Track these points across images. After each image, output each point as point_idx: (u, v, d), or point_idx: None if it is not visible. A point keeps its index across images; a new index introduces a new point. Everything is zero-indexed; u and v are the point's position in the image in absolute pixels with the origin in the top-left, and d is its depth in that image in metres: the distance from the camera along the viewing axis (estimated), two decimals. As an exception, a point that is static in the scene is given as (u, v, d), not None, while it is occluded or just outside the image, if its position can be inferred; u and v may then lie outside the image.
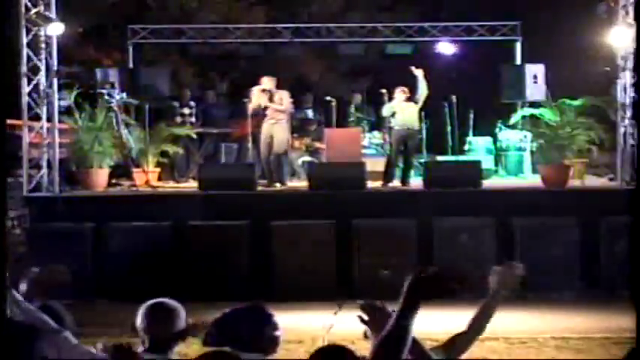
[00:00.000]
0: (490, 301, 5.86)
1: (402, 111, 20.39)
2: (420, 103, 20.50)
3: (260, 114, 20.24)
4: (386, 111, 20.90)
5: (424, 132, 22.23)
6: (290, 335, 6.05)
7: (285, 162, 20.63)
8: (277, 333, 5.68)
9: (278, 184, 20.03)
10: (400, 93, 20.50)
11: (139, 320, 5.65)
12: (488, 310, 5.86)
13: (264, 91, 19.91)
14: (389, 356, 4.33)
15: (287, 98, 20.26)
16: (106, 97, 20.82)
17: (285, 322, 5.84)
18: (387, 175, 20.47)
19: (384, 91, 21.29)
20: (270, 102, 19.86)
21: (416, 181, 20.53)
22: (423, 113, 21.43)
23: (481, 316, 5.87)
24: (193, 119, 22.75)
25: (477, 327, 5.90)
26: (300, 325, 12.49)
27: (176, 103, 22.43)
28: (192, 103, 22.95)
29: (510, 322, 15.51)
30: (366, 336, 5.63)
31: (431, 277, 4.50)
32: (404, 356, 4.39)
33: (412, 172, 21.04)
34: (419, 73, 20.35)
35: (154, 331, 5.61)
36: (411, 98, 20.41)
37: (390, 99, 20.79)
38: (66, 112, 20.57)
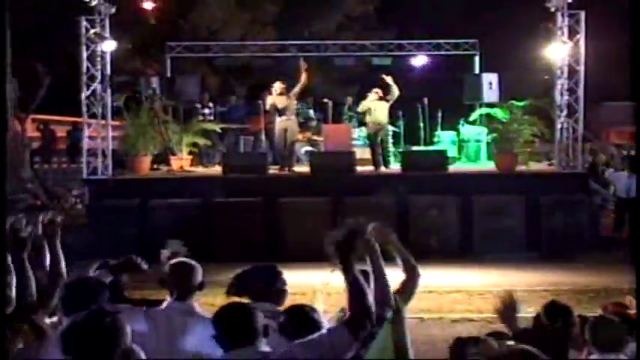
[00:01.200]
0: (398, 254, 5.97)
1: (375, 110, 20.35)
2: (392, 102, 20.50)
3: (272, 112, 20.31)
4: (360, 108, 20.93)
5: (402, 127, 22.26)
6: (295, 289, 6.06)
7: (294, 150, 20.68)
8: (285, 287, 5.73)
9: (287, 169, 20.07)
10: (373, 94, 20.55)
11: (167, 275, 5.72)
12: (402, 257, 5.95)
13: (281, 94, 19.98)
14: (358, 300, 4.36)
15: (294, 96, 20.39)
16: (148, 99, 20.88)
17: (291, 279, 5.89)
18: (375, 162, 20.52)
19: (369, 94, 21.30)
20: (288, 99, 20.01)
21: (395, 166, 20.57)
22: (400, 112, 21.51)
23: (406, 264, 5.95)
24: (212, 117, 22.74)
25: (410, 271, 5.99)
26: (303, 281, 12.52)
27: (198, 105, 22.42)
28: (210, 105, 22.95)
29: (470, 278, 15.66)
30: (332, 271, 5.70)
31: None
32: (371, 299, 4.44)
33: (392, 159, 21.11)
34: (389, 79, 20.42)
35: (178, 284, 5.64)
36: (383, 98, 20.44)
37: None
38: (117, 111, 20.62)
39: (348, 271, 4.35)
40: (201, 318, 5.57)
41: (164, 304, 5.67)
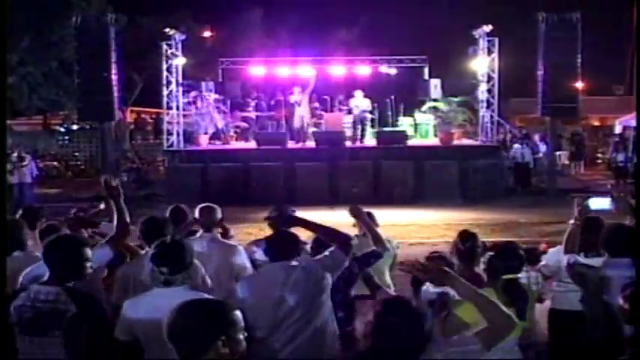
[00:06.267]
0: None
1: (361, 104, 20.35)
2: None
3: (294, 105, 20.21)
4: (351, 103, 20.90)
5: (376, 115, 22.12)
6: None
7: (305, 130, 20.63)
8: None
9: (300, 143, 20.05)
10: (359, 92, 20.55)
11: (197, 215, 5.68)
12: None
13: (299, 93, 19.94)
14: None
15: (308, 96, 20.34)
16: (207, 96, 20.80)
17: (302, 216, 5.86)
18: (355, 139, 20.43)
19: (354, 93, 21.19)
20: (303, 97, 20.01)
21: (372, 141, 20.49)
22: (375, 105, 21.37)
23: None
24: (251, 109, 22.55)
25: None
26: (309, 217, 12.53)
27: (242, 100, 22.30)
28: (250, 100, 22.74)
29: (421, 216, 15.66)
30: (354, 225, 5.67)
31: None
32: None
33: (369, 135, 21.05)
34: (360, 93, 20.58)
35: (204, 220, 5.63)
36: (366, 96, 20.50)
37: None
38: (187, 104, 20.58)
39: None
40: (225, 244, 5.63)
41: (197, 234, 5.65)
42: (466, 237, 5.37)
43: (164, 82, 19.81)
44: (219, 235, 5.67)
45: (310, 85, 20.18)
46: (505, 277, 4.20)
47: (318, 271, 4.31)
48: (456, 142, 20.12)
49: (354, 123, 20.64)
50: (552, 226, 12.58)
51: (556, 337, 5.16)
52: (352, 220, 6.12)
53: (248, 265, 5.47)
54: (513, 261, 4.38)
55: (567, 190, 18.35)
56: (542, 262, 5.70)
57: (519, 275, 4.35)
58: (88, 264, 3.97)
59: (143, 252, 5.00)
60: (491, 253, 4.46)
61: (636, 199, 6.10)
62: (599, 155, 28.66)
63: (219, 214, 5.71)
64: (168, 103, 19.98)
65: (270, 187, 17.41)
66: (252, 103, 22.50)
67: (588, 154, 28.08)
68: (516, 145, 22.02)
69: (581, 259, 5.05)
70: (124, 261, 5.10)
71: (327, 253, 4.46)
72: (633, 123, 24.39)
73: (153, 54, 22.51)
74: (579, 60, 17.81)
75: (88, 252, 4.00)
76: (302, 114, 20.03)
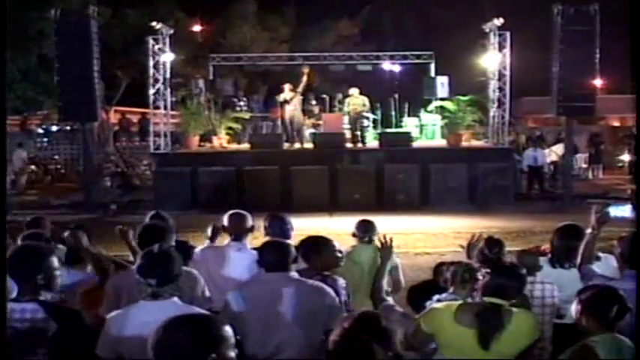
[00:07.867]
0: None
1: (355, 103, 20.36)
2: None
3: (284, 104, 20.22)
4: (346, 105, 20.91)
5: (379, 115, 22.16)
6: (301, 231, 6.06)
7: (302, 132, 20.63)
8: (291, 231, 5.72)
9: (297, 145, 20.05)
10: (354, 90, 20.57)
11: (225, 222, 5.63)
12: None
13: (289, 91, 19.93)
14: None
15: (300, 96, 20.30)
16: (197, 95, 20.82)
17: (299, 224, 5.89)
18: (354, 141, 20.44)
19: (349, 91, 21.24)
20: (294, 95, 19.93)
21: (374, 143, 20.52)
22: (378, 105, 21.44)
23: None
24: (245, 108, 22.61)
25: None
26: (307, 225, 12.55)
27: (235, 99, 22.32)
28: (243, 99, 22.80)
29: (427, 223, 15.64)
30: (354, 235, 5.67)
31: None
32: None
33: (371, 137, 21.07)
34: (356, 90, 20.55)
35: (234, 228, 5.60)
36: (365, 94, 20.53)
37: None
38: (175, 104, 20.59)
39: None
40: (250, 253, 5.51)
41: (225, 242, 5.66)
42: (493, 244, 5.44)
43: (151, 79, 19.80)
44: (248, 244, 5.66)
45: (302, 83, 20.14)
46: (488, 299, 3.99)
47: (329, 308, 4.32)
48: (464, 143, 20.15)
49: (351, 124, 20.70)
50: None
51: (557, 351, 5.19)
52: (351, 229, 6.25)
53: None
54: (508, 282, 4.07)
55: (584, 196, 18.38)
56: None
57: (509, 302, 4.01)
58: (58, 272, 3.94)
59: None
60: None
61: (636, 199, 6.12)
62: (619, 158, 28.63)
63: (250, 222, 5.67)
64: (155, 102, 19.96)
65: (264, 193, 17.38)
66: (245, 102, 22.53)
67: (607, 156, 28.09)
68: (528, 149, 22.02)
69: (598, 270, 5.06)
70: (107, 274, 5.10)
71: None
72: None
73: (138, 49, 22.52)
74: (597, 56, 17.82)
75: (55, 260, 3.97)
76: (292, 113, 20.03)
